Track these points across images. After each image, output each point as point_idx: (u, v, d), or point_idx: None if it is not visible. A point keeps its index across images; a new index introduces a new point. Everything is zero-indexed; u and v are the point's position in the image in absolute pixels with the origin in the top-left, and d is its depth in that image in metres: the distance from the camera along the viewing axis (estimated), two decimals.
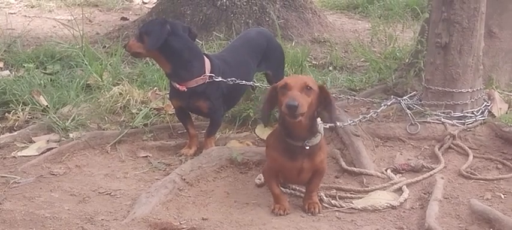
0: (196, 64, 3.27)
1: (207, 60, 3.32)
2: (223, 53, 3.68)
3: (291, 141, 2.65)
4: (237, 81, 3.36)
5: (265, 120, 2.81)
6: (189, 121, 3.44)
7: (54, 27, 6.33)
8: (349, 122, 3.28)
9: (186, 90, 3.25)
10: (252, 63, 3.64)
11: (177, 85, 3.27)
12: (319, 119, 2.72)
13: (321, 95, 2.63)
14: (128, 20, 6.87)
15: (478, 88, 3.55)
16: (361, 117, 3.38)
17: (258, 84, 3.65)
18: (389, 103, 3.53)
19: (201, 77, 3.27)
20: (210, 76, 3.28)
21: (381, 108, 3.48)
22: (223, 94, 3.38)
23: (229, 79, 3.33)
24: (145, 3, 8.10)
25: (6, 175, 3.06)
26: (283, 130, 2.66)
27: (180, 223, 2.64)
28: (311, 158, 2.68)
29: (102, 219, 2.66)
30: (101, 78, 4.25)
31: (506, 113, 3.59)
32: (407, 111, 3.47)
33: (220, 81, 3.30)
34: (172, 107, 3.57)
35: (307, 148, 2.64)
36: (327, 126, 3.02)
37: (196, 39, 3.61)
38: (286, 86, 2.56)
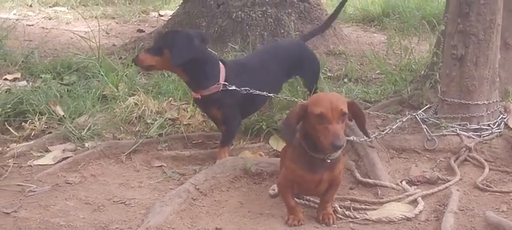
0: (211, 72, 3.25)
1: (222, 67, 3.29)
2: (246, 58, 3.61)
3: (313, 153, 2.60)
4: (251, 91, 3.31)
5: (290, 138, 2.62)
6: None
7: (71, 38, 6.39)
8: (364, 138, 3.26)
9: (200, 97, 3.25)
10: (279, 71, 3.57)
11: (193, 93, 3.26)
12: None
13: (352, 111, 2.58)
14: (144, 31, 6.93)
15: (494, 101, 3.53)
16: (376, 133, 3.35)
17: (277, 96, 3.58)
18: (404, 119, 3.51)
19: (215, 86, 3.26)
20: (223, 84, 3.25)
21: (396, 125, 3.45)
22: (240, 102, 3.32)
23: (243, 89, 3.28)
24: (162, 15, 8.16)
25: (22, 184, 3.08)
26: (307, 144, 2.60)
27: None
28: (331, 170, 2.65)
29: (116, 228, 2.66)
30: (117, 89, 4.28)
31: None
32: (423, 126, 3.44)
33: (235, 89, 3.25)
34: (187, 117, 3.57)
35: (329, 161, 2.62)
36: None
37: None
38: (324, 117, 2.45)
